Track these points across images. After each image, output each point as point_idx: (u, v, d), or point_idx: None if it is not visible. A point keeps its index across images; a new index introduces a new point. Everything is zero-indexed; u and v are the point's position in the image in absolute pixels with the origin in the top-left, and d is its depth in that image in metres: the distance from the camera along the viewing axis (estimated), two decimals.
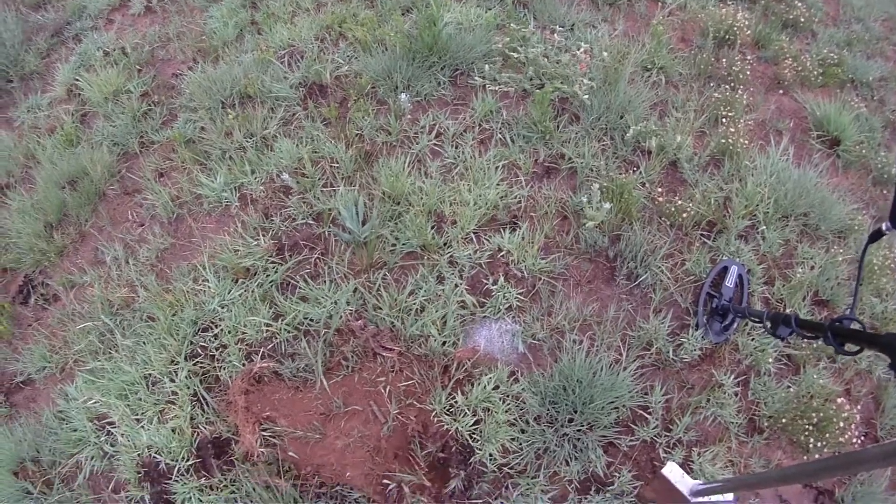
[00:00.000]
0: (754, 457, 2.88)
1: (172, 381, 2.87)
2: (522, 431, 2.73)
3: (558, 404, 2.78)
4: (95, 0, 5.15)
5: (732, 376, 2.99)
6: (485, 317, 2.95)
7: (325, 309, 2.87)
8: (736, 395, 2.98)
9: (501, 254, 3.12)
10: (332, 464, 2.62)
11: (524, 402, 2.77)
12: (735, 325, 3.08)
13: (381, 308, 2.89)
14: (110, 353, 3.04)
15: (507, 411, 2.73)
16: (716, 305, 3.09)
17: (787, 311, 3.25)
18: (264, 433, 2.68)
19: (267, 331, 2.88)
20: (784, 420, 2.90)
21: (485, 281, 3.05)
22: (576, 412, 2.76)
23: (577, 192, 3.36)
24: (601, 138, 3.54)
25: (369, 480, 2.60)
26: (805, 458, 2.92)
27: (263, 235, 3.17)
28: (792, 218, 3.50)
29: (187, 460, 2.72)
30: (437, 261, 3.04)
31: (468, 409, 2.70)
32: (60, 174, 3.83)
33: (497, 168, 3.32)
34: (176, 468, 2.69)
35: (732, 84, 3.94)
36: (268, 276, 3.03)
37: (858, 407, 2.98)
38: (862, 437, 2.99)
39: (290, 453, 2.65)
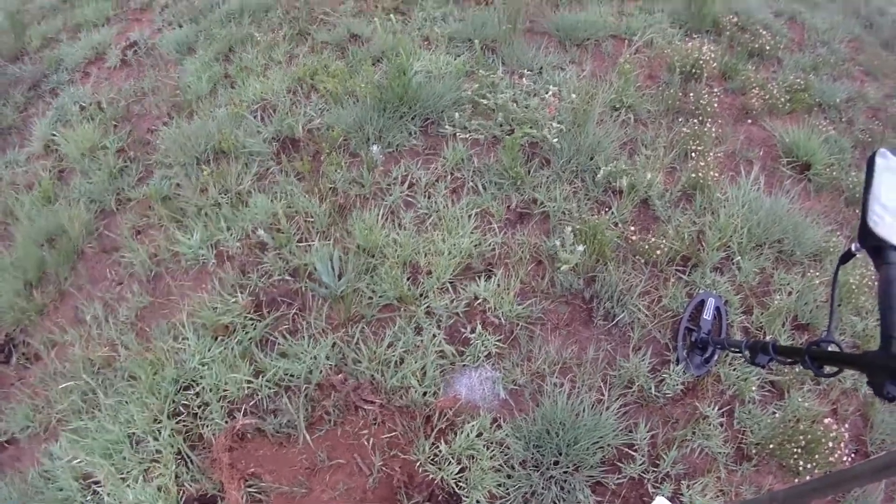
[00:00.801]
0: (745, 484, 2.91)
1: (156, 439, 2.89)
2: (509, 476, 2.76)
3: (542, 447, 2.82)
4: (72, 53, 5.26)
5: (716, 407, 3.04)
6: (464, 365, 3.01)
7: (305, 364, 2.93)
8: (721, 425, 3.02)
9: (478, 302, 3.19)
10: None
11: (508, 448, 2.82)
12: (716, 357, 3.14)
13: (360, 361, 2.95)
14: (93, 412, 3.05)
15: (491, 457, 2.77)
16: (695, 339, 3.15)
17: (767, 338, 3.32)
18: (250, 489, 2.71)
19: (248, 387, 2.93)
20: (772, 446, 2.95)
21: (462, 330, 3.11)
22: (560, 454, 2.80)
23: (550, 235, 3.44)
24: (572, 181, 3.64)
25: None
26: (796, 480, 2.94)
27: (241, 292, 3.23)
28: (766, 246, 3.59)
29: None
30: (415, 312, 3.11)
31: (452, 458, 2.74)
32: (38, 232, 3.89)
33: (470, 216, 3.40)
34: None
35: (700, 118, 4.08)
36: (247, 332, 3.08)
37: (847, 425, 3.01)
38: (853, 455, 3.03)
39: None
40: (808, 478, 2.91)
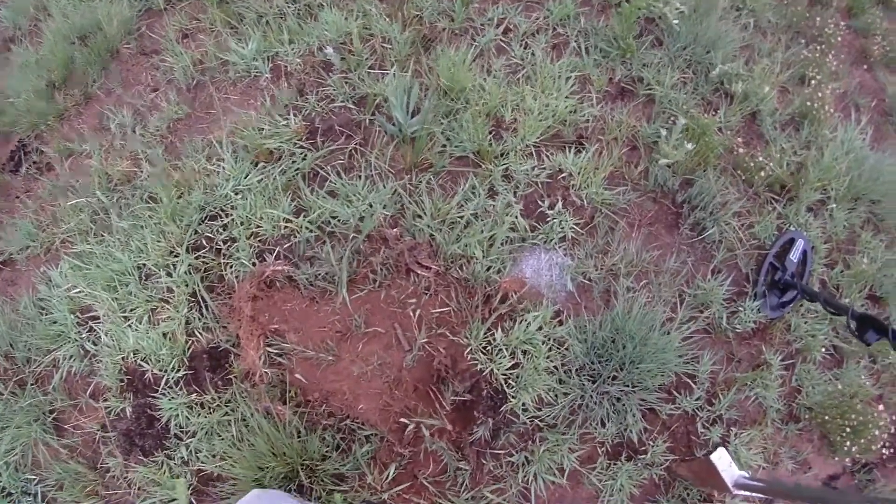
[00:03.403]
0: (785, 446, 2.44)
1: (169, 275, 2.29)
2: (561, 382, 2.19)
3: (604, 358, 2.23)
4: None
5: (780, 357, 2.48)
6: (535, 244, 2.29)
7: (357, 210, 2.22)
8: (781, 378, 2.47)
9: (562, 175, 2.52)
10: (343, 392, 2.03)
11: (567, 350, 2.21)
12: (793, 302, 2.56)
13: (421, 217, 2.25)
14: (102, 235, 2.44)
15: (548, 357, 2.14)
16: (778, 278, 2.55)
17: (846, 301, 2.69)
18: (270, 349, 2.07)
19: (286, 227, 2.23)
20: (826, 417, 2.46)
21: (540, 203, 2.44)
22: (622, 369, 2.21)
23: (651, 121, 2.72)
24: (684, 70, 2.87)
25: (384, 417, 2.01)
26: (835, 458, 2.52)
27: (295, 115, 2.50)
28: (862, 202, 2.91)
29: (178, 371, 2.16)
30: (491, 172, 2.42)
31: (507, 350, 2.09)
32: (71, 28, 3.11)
33: (568, 79, 2.65)
34: (164, 379, 2.15)
35: (823, 47, 3.19)
36: (294, 162, 2.37)
37: (895, 417, 2.49)
38: (891, 450, 2.54)
39: (298, 376, 2.06)
40: (847, 460, 2.54)
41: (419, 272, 2.13)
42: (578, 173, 2.47)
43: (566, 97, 2.55)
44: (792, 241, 2.60)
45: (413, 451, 2.00)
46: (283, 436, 1.97)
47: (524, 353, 2.15)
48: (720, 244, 2.55)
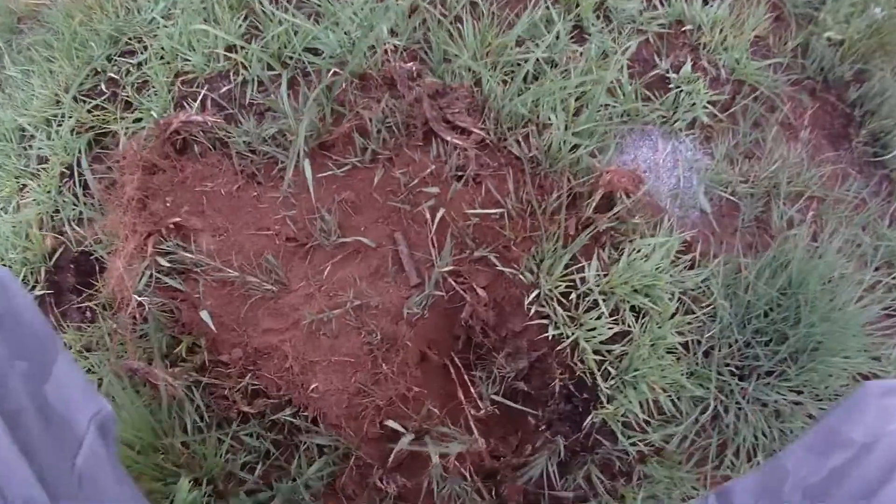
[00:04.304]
0: None
1: (49, 137, 1.31)
2: (691, 374, 1.11)
3: (766, 337, 1.13)
4: None
5: None
6: (647, 125, 1.20)
7: (344, 35, 1.15)
8: None
9: (687, 28, 1.36)
10: (285, 355, 1.03)
11: (708, 317, 1.11)
12: None
13: (457, 54, 1.14)
14: None
15: (677, 327, 1.01)
16: None
17: None
18: (160, 260, 1.04)
19: (226, 60, 1.19)
20: None
21: (657, 60, 1.32)
22: (793, 361, 1.12)
23: None
24: None
25: (355, 413, 1.02)
26: None
27: None
28: None
29: (34, 286, 1.25)
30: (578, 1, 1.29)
31: (605, 302, 0.98)
32: None
33: None
34: None
35: None
36: None
37: None
38: None
39: (204, 314, 1.07)
40: None
41: (449, 139, 1.06)
42: (711, 27, 1.36)
43: None
44: None
45: (405, 484, 0.95)
46: (157, 424, 0.97)
47: (637, 312, 1.06)
48: None
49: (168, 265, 1.09)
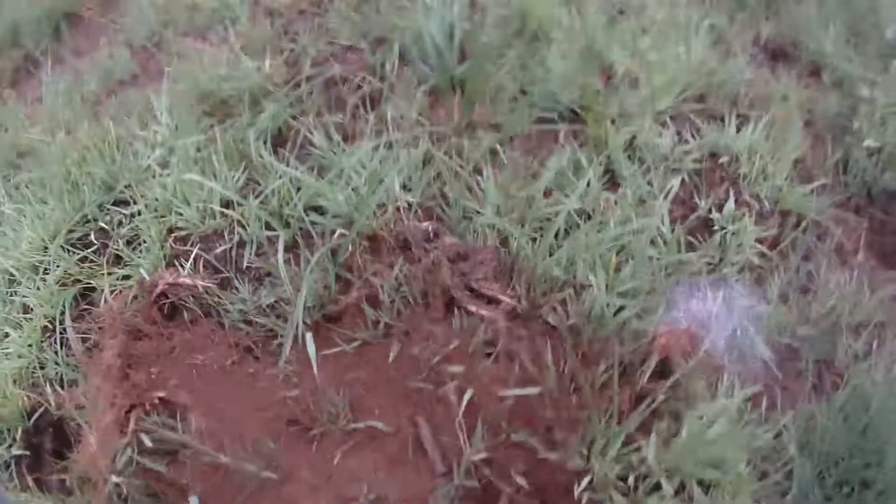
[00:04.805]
0: None
1: (35, 285, 1.25)
2: None
3: (845, 486, 1.01)
4: None
5: None
6: (694, 273, 1.09)
7: (355, 194, 1.07)
8: None
9: (723, 159, 1.30)
10: None
11: (783, 476, 0.98)
12: None
13: (478, 210, 1.06)
14: None
15: (752, 497, 0.93)
16: None
17: None
18: (145, 436, 0.91)
19: (222, 217, 1.10)
20: None
21: (697, 200, 1.24)
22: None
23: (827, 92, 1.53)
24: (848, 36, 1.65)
25: None
26: None
27: (273, 57, 1.39)
28: None
29: (10, 446, 1.10)
30: (606, 140, 1.22)
31: (671, 481, 0.85)
32: None
33: (698, 28, 1.44)
34: None
35: None
36: (259, 114, 1.26)
37: None
38: None
39: (192, 501, 0.87)
40: None
41: (474, 309, 0.94)
42: (748, 157, 1.30)
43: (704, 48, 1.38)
44: None
45: None
46: None
47: (706, 485, 0.91)
48: None
49: (152, 445, 0.94)
